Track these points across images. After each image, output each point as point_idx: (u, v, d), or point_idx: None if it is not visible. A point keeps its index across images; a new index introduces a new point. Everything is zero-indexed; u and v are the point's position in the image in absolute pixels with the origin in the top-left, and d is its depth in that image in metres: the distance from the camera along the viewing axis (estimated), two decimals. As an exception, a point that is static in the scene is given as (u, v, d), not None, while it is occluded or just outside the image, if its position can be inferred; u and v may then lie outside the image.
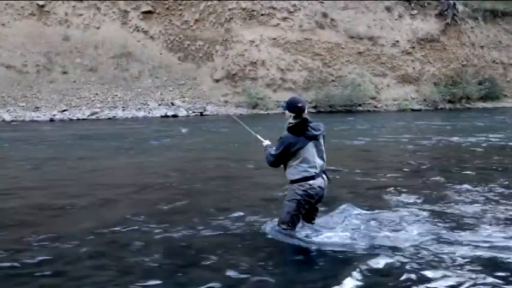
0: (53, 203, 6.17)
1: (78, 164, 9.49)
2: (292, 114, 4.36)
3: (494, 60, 31.92)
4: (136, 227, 5.00)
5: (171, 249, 4.42)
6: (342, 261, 4.07)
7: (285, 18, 27.77)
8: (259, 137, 4.98)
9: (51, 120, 20.73)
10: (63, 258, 4.12)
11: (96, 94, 23.81)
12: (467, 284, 3.55)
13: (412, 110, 27.07)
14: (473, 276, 3.68)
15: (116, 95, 24.07)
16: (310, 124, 4.38)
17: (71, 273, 3.84)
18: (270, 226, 4.79)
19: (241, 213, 5.48)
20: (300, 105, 4.36)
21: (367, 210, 5.55)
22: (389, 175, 7.88)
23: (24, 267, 3.96)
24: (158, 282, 3.67)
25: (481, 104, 29.23)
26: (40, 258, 4.13)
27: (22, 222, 5.33)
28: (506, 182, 7.01)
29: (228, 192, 6.81)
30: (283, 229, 4.52)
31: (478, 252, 4.17)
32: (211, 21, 27.24)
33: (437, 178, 7.52)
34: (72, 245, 4.46)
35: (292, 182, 4.43)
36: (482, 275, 3.69)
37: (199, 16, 27.21)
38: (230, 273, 3.83)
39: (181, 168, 8.95)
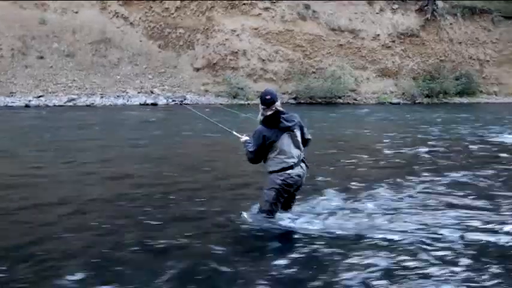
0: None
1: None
2: (263, 107, 4.41)
3: (471, 57, 32.46)
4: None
5: (147, 237, 4.39)
6: (320, 248, 4.11)
7: (266, 9, 27.63)
8: (235, 133, 4.98)
9: (27, 106, 20.24)
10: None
11: (74, 80, 23.31)
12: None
13: (391, 103, 27.37)
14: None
15: (94, 82, 23.63)
16: (283, 116, 4.41)
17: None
18: (250, 214, 4.80)
19: (220, 202, 5.48)
20: (268, 97, 4.40)
21: (347, 197, 5.64)
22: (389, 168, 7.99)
23: None
24: (132, 271, 3.66)
25: (457, 99, 29.73)
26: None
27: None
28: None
29: (208, 180, 6.79)
30: (263, 217, 4.56)
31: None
32: (193, 9, 26.90)
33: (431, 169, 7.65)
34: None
35: (271, 172, 4.48)
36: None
37: (180, 3, 26.83)
38: (208, 261, 3.83)
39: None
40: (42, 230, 4.58)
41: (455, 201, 5.66)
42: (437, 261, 3.80)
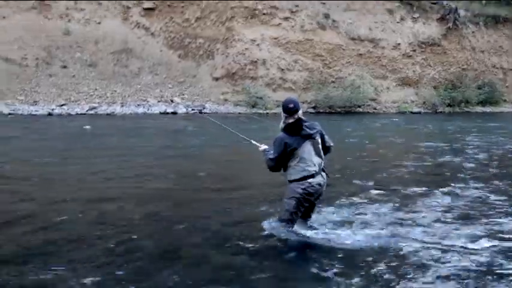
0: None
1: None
2: (285, 115, 4.40)
3: (494, 65, 31.91)
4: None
5: (165, 242, 4.38)
6: (340, 258, 4.03)
7: (286, 18, 27.70)
8: (254, 142, 4.96)
9: (50, 114, 20.65)
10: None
11: (95, 89, 23.72)
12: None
13: (412, 112, 27.03)
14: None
15: (115, 91, 24.00)
16: (305, 123, 4.39)
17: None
18: (269, 223, 4.76)
19: (241, 209, 5.45)
20: (291, 106, 4.39)
21: (368, 207, 5.53)
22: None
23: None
24: (147, 275, 3.64)
25: (480, 109, 29.22)
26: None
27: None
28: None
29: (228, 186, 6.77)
30: (282, 226, 4.51)
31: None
32: (213, 20, 27.16)
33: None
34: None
35: (291, 181, 4.43)
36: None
37: (200, 14, 27.13)
38: (227, 268, 3.80)
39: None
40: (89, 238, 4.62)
41: (503, 210, 5.51)
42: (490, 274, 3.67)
